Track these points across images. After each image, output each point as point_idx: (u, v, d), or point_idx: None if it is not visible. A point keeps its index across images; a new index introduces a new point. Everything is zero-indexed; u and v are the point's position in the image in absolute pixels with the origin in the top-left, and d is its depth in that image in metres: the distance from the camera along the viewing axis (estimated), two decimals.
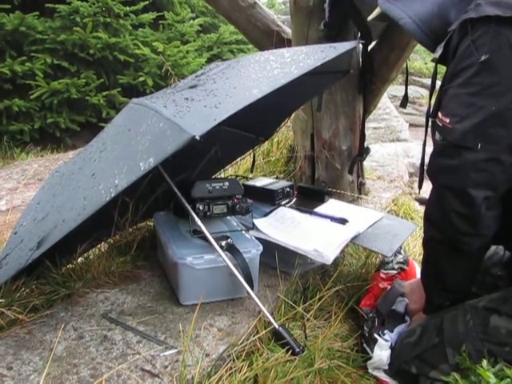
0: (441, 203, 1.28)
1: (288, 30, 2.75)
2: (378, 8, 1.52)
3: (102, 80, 7.01)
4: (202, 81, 1.47)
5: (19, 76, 6.52)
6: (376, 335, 1.55)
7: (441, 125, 1.27)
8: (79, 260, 1.75)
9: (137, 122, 1.39)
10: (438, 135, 1.30)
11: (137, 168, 1.16)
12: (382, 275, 1.82)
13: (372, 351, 1.54)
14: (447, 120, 1.24)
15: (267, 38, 2.74)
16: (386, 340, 1.53)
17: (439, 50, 1.33)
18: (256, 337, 1.41)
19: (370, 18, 1.65)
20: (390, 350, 1.49)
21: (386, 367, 1.49)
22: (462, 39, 1.23)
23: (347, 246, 1.84)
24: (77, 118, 6.95)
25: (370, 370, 1.54)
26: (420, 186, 1.67)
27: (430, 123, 1.45)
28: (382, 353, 1.50)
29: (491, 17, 1.16)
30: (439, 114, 1.28)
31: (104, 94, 6.92)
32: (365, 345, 1.59)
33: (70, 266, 1.71)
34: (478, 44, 1.18)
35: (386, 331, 1.56)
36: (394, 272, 1.82)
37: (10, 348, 1.32)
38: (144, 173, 1.15)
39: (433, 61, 1.38)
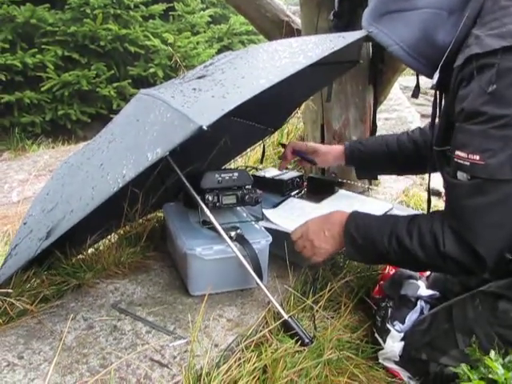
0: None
1: (298, 21, 2.73)
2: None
3: (113, 71, 7.05)
4: (210, 71, 1.46)
5: (30, 68, 6.58)
6: (389, 326, 1.54)
7: (468, 163, 1.19)
8: (89, 251, 1.75)
9: (145, 113, 1.38)
10: (462, 175, 1.22)
11: (144, 158, 1.15)
12: None
13: (384, 342, 1.53)
14: (477, 157, 1.17)
15: (277, 29, 2.73)
16: (399, 331, 1.52)
17: (436, 76, 1.29)
18: (266, 328, 1.41)
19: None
20: (402, 342, 1.49)
21: (398, 359, 1.48)
22: (472, 77, 1.18)
23: None
24: (87, 110, 7.01)
25: (380, 360, 1.53)
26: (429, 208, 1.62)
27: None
28: (394, 344, 1.49)
29: (498, 49, 1.12)
30: (460, 153, 1.21)
31: (114, 85, 6.97)
32: (376, 335, 1.58)
33: (81, 256, 1.72)
34: (492, 78, 1.13)
35: (396, 322, 1.55)
36: None
37: (20, 338, 1.33)
38: (151, 163, 1.14)
39: (432, 88, 1.34)
